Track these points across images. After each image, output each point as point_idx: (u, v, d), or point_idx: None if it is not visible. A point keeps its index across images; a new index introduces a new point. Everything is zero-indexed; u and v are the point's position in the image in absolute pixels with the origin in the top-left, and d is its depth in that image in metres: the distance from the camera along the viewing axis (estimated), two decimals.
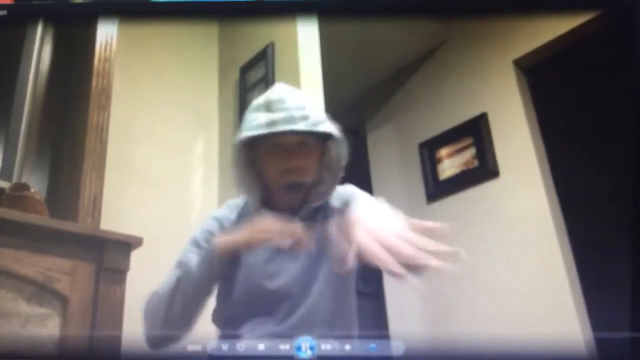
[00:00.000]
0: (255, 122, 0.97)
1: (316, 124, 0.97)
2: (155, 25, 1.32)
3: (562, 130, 1.73)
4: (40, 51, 1.43)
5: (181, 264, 0.99)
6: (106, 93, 1.43)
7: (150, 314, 0.96)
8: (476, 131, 1.95)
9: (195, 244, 1.02)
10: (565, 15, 1.25)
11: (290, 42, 1.56)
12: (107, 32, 1.47)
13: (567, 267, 1.60)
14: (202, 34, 1.94)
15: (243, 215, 1.03)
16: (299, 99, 0.99)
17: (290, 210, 0.99)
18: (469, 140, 1.97)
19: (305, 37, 1.54)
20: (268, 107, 0.98)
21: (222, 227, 1.02)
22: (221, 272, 0.96)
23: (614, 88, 1.09)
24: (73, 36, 1.52)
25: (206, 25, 1.81)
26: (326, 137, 1.00)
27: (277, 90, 1.00)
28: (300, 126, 0.95)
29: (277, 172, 0.97)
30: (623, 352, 0.88)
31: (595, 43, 1.35)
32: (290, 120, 0.96)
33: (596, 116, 1.50)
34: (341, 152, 1.01)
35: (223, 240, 0.93)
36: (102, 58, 1.46)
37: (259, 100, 1.00)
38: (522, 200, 1.78)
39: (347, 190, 1.05)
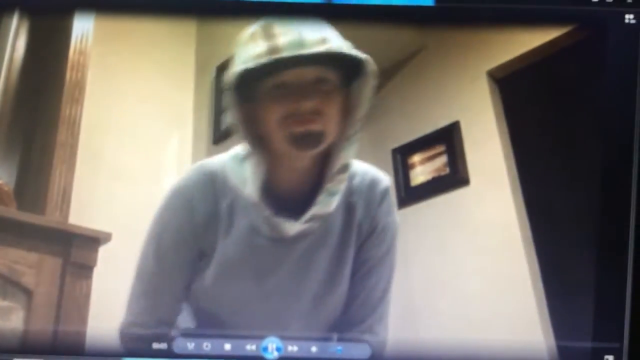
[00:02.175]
0: (251, 52, 0.71)
1: (338, 47, 0.73)
2: (132, 21, 1.31)
3: (532, 141, 1.76)
4: (15, 41, 1.42)
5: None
6: (80, 86, 1.41)
7: None
8: (449, 139, 1.97)
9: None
10: (539, 29, 1.27)
11: None
12: (83, 25, 1.45)
13: (532, 275, 1.63)
14: (180, 31, 1.94)
15: (225, 196, 0.77)
16: (312, 20, 0.75)
17: (297, 204, 0.75)
18: (442, 148, 1.99)
19: None
20: (267, 31, 0.72)
21: (193, 218, 0.77)
22: None
23: (584, 101, 1.12)
24: (49, 27, 1.51)
25: (184, 22, 1.80)
26: (353, 71, 0.75)
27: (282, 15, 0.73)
28: (317, 49, 0.70)
29: (281, 121, 0.71)
30: None
31: (568, 56, 1.38)
32: (301, 44, 0.70)
33: (566, 128, 1.53)
34: (367, 88, 0.75)
35: None
36: (78, 51, 1.44)
37: (252, 28, 0.75)
38: (491, 208, 1.80)
39: (381, 195, 0.80)
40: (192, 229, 0.80)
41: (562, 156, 1.67)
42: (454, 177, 2.03)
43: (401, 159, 2.19)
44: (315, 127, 0.72)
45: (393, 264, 0.82)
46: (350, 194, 0.80)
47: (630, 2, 0.96)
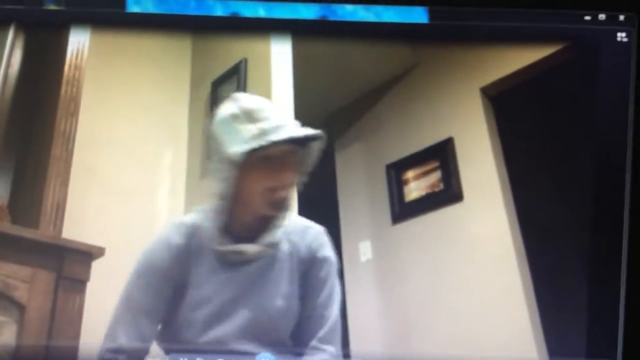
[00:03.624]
0: (248, 134, 0.87)
1: (301, 128, 0.90)
2: (128, 36, 1.31)
3: (525, 157, 1.77)
4: (10, 56, 1.42)
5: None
6: (75, 101, 1.41)
7: None
8: (442, 155, 1.98)
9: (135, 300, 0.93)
10: (533, 47, 1.28)
11: (263, 59, 1.57)
12: (79, 40, 1.46)
13: (526, 291, 1.63)
14: (175, 46, 1.94)
15: (195, 238, 0.93)
16: (272, 105, 0.93)
17: (251, 235, 0.92)
18: (436, 164, 2.00)
19: (278, 54, 1.55)
20: (249, 117, 0.88)
21: (171, 255, 0.93)
22: None
23: (577, 118, 1.13)
24: (44, 42, 1.51)
25: (180, 38, 1.81)
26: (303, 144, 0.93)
27: (248, 100, 0.92)
28: (294, 132, 0.88)
29: (266, 189, 0.88)
30: None
31: (561, 74, 1.39)
32: (281, 127, 0.88)
33: (558, 144, 1.54)
34: (314, 156, 0.95)
35: None
36: (73, 65, 1.45)
37: (232, 110, 0.90)
38: (484, 224, 1.81)
39: (316, 236, 0.97)
40: (170, 265, 0.92)
41: (555, 172, 1.68)
42: (448, 193, 2.03)
43: (395, 174, 2.19)
44: (285, 194, 0.90)
45: (336, 288, 0.98)
46: (290, 233, 0.95)
47: (622, 21, 0.97)
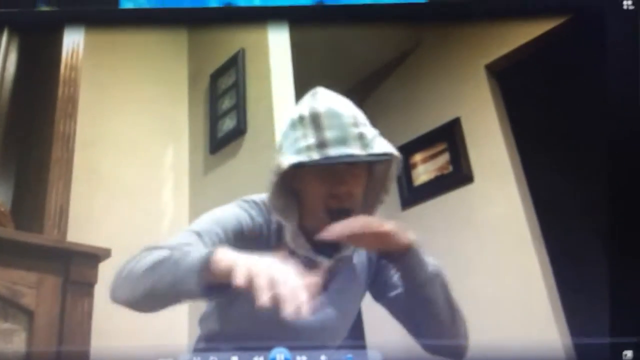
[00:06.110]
0: (304, 144, 0.84)
1: (371, 143, 0.85)
2: (122, 33, 1.29)
3: (535, 134, 1.74)
4: (5, 60, 1.40)
5: (175, 249, 0.78)
6: (73, 101, 1.40)
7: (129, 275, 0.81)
8: (450, 136, 1.95)
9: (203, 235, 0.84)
10: (536, 20, 1.25)
11: (261, 48, 1.55)
12: (73, 40, 1.44)
13: (544, 272, 1.61)
14: (171, 41, 1.92)
15: (273, 222, 0.89)
16: (349, 110, 0.86)
17: (326, 245, 0.87)
18: (443, 145, 1.97)
19: (276, 42, 1.53)
20: (315, 121, 0.84)
21: (253, 226, 0.88)
22: (203, 293, 0.73)
23: (585, 91, 1.10)
24: (39, 44, 1.49)
25: (175, 32, 1.79)
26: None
27: (323, 100, 0.87)
28: (356, 149, 0.82)
29: (322, 197, 0.85)
30: (602, 357, 0.87)
31: (567, 46, 1.36)
32: (344, 140, 0.82)
33: (568, 119, 1.51)
34: (392, 173, 0.90)
35: (225, 259, 0.71)
36: (69, 66, 1.43)
37: (302, 110, 0.86)
38: (497, 205, 1.78)
39: None
40: (250, 234, 0.87)
41: (567, 147, 1.65)
42: (458, 175, 2.00)
43: (402, 158, 2.16)
44: (347, 205, 0.83)
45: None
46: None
47: None
